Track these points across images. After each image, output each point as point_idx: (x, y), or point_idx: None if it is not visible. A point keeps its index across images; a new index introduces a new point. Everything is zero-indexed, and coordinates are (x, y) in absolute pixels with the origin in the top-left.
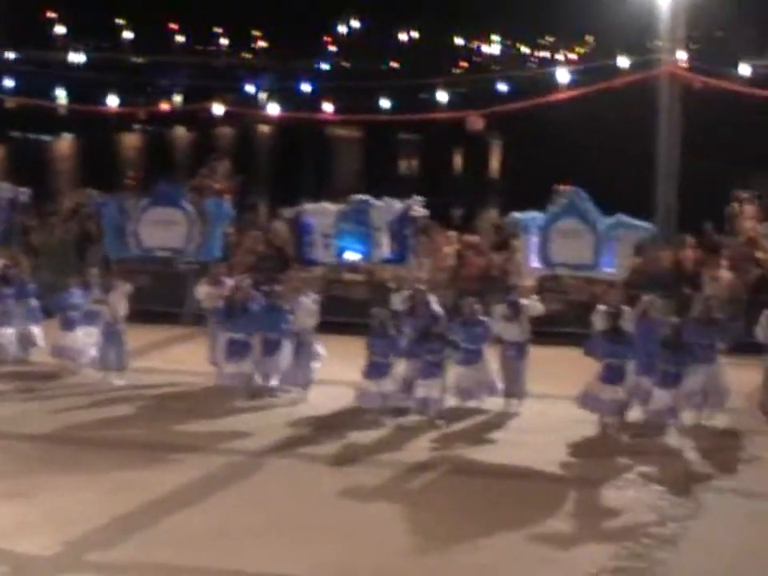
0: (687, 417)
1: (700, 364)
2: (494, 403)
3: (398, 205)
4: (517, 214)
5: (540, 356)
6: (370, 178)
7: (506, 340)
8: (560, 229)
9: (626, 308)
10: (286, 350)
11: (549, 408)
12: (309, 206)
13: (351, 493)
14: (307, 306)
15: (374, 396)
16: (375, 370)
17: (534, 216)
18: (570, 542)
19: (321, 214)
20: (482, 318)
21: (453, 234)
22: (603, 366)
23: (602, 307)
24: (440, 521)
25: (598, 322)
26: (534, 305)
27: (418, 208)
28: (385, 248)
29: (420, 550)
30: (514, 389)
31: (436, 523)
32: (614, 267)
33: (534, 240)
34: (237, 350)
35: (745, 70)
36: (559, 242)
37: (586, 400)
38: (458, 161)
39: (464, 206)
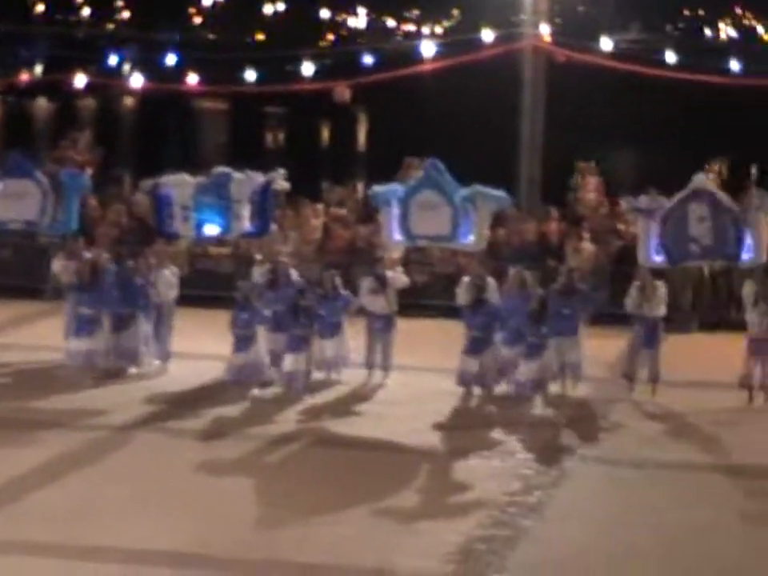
0: (552, 387)
1: (563, 335)
2: (357, 375)
3: (260, 178)
4: (377, 187)
5: (406, 328)
6: (236, 151)
7: (373, 312)
8: (419, 201)
9: (490, 279)
10: (143, 325)
11: (414, 380)
12: (167, 178)
13: (215, 466)
14: (167, 279)
15: (238, 368)
16: (241, 343)
17: (394, 188)
18: (434, 512)
19: (179, 186)
20: (341, 290)
21: (320, 206)
22: (467, 337)
23: (465, 279)
24: (303, 493)
25: (462, 294)
26: (399, 277)
27: (280, 181)
28: (245, 221)
29: (282, 523)
30: (381, 361)
31: (299, 496)
32: (471, 238)
33: (395, 212)
34: (84, 327)
35: (607, 44)
36: (418, 214)
37: (458, 373)
38: (325, 133)
39: (331, 178)
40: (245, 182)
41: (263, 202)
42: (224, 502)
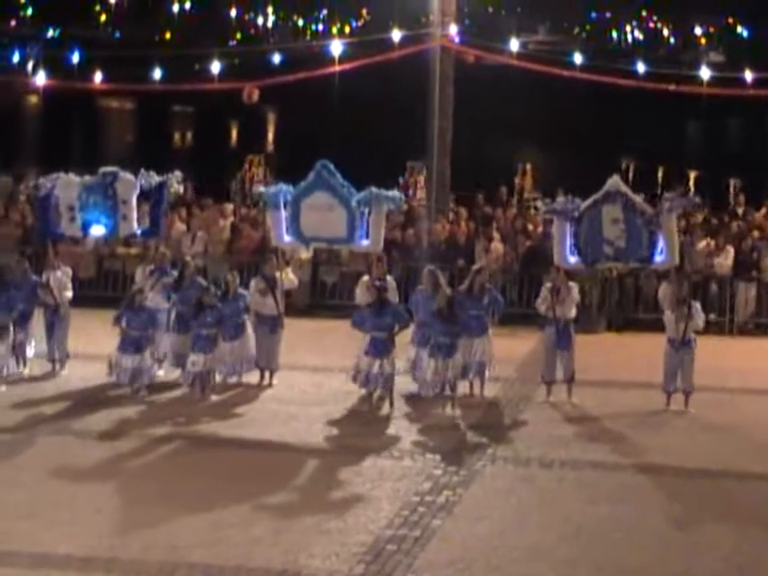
0: (460, 387)
1: (472, 335)
2: (254, 376)
3: (155, 178)
4: (262, 188)
5: (316, 328)
6: (142, 151)
7: (261, 313)
8: (310, 203)
9: (390, 279)
10: (36, 324)
11: (324, 380)
12: (51, 178)
13: (118, 468)
14: (59, 280)
15: (125, 370)
16: (129, 344)
17: (282, 189)
18: (344, 511)
19: (65, 186)
20: (242, 291)
21: (229, 206)
22: (368, 339)
23: (364, 279)
24: (210, 495)
25: (360, 295)
26: (288, 278)
27: (175, 183)
28: (132, 222)
29: (189, 525)
30: (266, 362)
31: (206, 497)
32: (368, 239)
33: (283, 214)
34: None
35: (515, 46)
36: (310, 216)
37: (356, 374)
38: (233, 133)
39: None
40: (131, 182)
41: (157, 203)
42: (129, 505)
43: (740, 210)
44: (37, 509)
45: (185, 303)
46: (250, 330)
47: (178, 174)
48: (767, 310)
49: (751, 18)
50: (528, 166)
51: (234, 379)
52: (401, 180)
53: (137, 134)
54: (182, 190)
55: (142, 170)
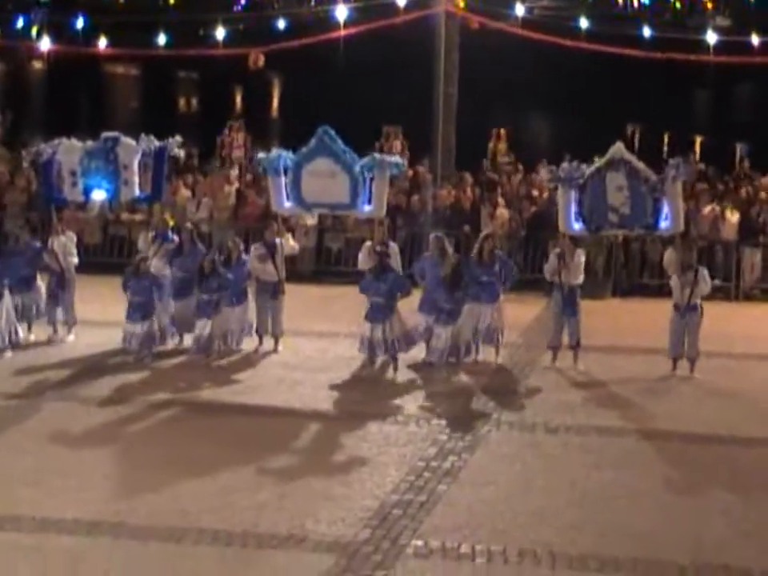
0: (468, 353)
1: (481, 302)
2: (254, 343)
3: (155, 143)
4: (262, 154)
5: (321, 294)
6: (148, 116)
7: (261, 279)
8: (312, 169)
9: (393, 245)
10: (41, 289)
11: (330, 346)
12: (53, 144)
13: (124, 435)
14: (63, 246)
15: (137, 336)
16: (135, 310)
17: (280, 155)
18: (350, 477)
19: (67, 151)
20: (244, 257)
21: (234, 172)
22: (370, 304)
23: (366, 245)
24: (216, 461)
25: (363, 260)
26: (288, 244)
27: (176, 148)
28: (134, 187)
29: (198, 493)
30: (271, 328)
31: (212, 463)
32: (372, 205)
33: (283, 180)
34: None
35: (520, 11)
36: (312, 182)
37: (361, 341)
38: (238, 99)
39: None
40: (132, 146)
41: (158, 167)
42: (135, 470)
43: (743, 175)
44: (42, 475)
45: (184, 269)
46: (250, 296)
47: (178, 138)
48: None
49: None
50: (502, 131)
51: (235, 345)
52: (377, 144)
53: (142, 99)
54: (182, 154)
55: (143, 135)
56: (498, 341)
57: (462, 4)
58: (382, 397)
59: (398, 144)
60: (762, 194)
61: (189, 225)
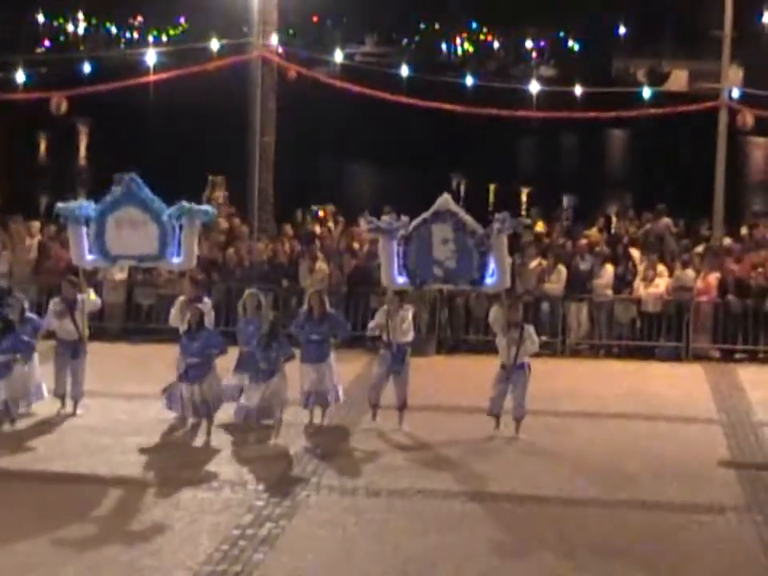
0: (290, 414)
1: (313, 362)
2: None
3: None
4: (61, 204)
5: (130, 353)
6: None
7: (60, 338)
8: (119, 218)
9: (206, 300)
10: None
11: (138, 408)
12: None
13: None
14: None
15: None
16: None
17: (81, 204)
18: (161, 547)
19: None
20: (30, 314)
21: (36, 224)
22: (184, 364)
23: (181, 299)
24: (15, 533)
25: (174, 315)
26: (90, 300)
27: None
28: None
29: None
30: (72, 390)
31: (11, 536)
32: (180, 257)
33: (85, 231)
34: None
35: (339, 57)
36: (118, 232)
37: (171, 399)
38: (42, 146)
39: (49, 194)
40: None
41: None
42: None
43: (565, 225)
44: None
45: None
46: (36, 355)
47: None
48: (599, 331)
49: (583, 32)
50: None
51: (24, 408)
52: (203, 195)
53: None
54: None
55: None
56: (328, 401)
57: (279, 50)
58: (195, 461)
59: (220, 196)
60: (586, 247)
61: None
